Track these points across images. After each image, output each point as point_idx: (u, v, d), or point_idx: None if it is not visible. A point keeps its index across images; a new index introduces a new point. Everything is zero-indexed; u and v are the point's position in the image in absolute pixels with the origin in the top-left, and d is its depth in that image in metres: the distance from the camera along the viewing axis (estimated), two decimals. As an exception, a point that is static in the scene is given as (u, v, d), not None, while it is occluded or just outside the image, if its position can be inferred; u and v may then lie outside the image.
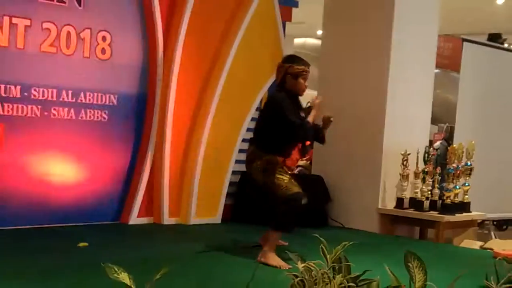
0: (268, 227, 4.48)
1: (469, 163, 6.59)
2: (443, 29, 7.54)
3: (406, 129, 6.67)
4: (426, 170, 6.43)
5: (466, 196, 6.58)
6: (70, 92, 5.51)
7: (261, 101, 6.50)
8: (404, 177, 6.44)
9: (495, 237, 7.58)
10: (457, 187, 6.47)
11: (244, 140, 6.23)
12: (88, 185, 5.68)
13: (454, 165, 6.49)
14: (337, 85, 6.91)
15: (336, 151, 6.78)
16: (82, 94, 5.59)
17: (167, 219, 5.98)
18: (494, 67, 8.03)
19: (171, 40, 5.97)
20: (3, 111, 5.14)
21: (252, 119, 6.30)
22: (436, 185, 6.43)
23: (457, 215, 6.38)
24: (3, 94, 5.13)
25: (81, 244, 4.60)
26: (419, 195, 6.43)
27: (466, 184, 6.57)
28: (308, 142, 7.19)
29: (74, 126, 5.56)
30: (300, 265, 2.73)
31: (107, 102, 5.76)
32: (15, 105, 5.20)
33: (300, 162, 8.17)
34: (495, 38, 10.11)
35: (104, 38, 5.71)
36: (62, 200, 5.50)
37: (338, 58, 6.98)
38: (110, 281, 2.38)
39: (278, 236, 4.44)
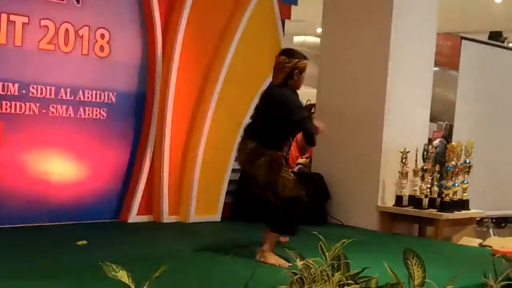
0: (269, 226, 4.44)
1: (467, 161, 6.60)
2: (442, 27, 7.54)
3: (405, 127, 6.67)
4: (425, 168, 6.44)
5: (465, 194, 6.59)
6: (68, 90, 5.50)
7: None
8: (403, 175, 6.44)
9: (494, 235, 7.59)
10: (456, 185, 6.48)
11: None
12: (87, 183, 5.66)
13: (453, 163, 6.50)
14: (337, 83, 6.92)
15: (335, 149, 6.79)
16: (80, 92, 5.58)
17: (167, 217, 5.97)
18: (493, 66, 8.04)
19: (170, 37, 5.95)
20: (0, 109, 5.13)
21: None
22: (435, 183, 6.44)
23: (456, 212, 6.38)
24: (1, 92, 5.12)
25: (80, 243, 4.59)
26: (418, 193, 6.44)
27: (465, 182, 6.58)
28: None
29: (73, 124, 5.54)
30: (299, 263, 2.73)
31: (105, 100, 5.75)
32: (13, 103, 5.19)
33: (300, 160, 8.18)
34: (496, 37, 10.12)
35: (102, 36, 5.69)
36: (60, 198, 5.49)
37: (338, 56, 6.97)
38: (108, 279, 2.37)
39: (278, 237, 4.42)
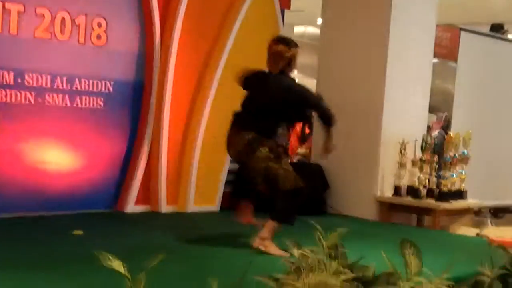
0: (269, 216, 4.41)
1: (465, 152, 6.61)
2: (442, 19, 7.52)
3: (404, 118, 6.67)
4: (423, 158, 6.44)
5: (463, 185, 6.61)
6: (65, 78, 5.46)
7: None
8: (402, 165, 6.45)
9: (491, 225, 7.61)
10: (454, 175, 6.49)
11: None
12: (83, 173, 5.64)
13: (451, 153, 6.51)
14: (336, 73, 6.91)
15: (335, 140, 6.71)
16: (77, 81, 5.54)
17: (165, 207, 5.95)
18: (492, 57, 8.04)
19: (168, 25, 5.91)
20: (-4, 97, 5.11)
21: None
22: (433, 174, 6.44)
23: (453, 202, 6.42)
24: (-4, 81, 5.10)
25: (76, 232, 4.58)
26: (416, 183, 6.44)
27: (463, 173, 6.59)
28: (307, 131, 7.20)
29: (69, 114, 5.51)
30: (297, 252, 2.72)
31: (102, 89, 5.71)
32: (8, 92, 5.15)
33: (300, 151, 8.17)
34: (497, 29, 10.07)
35: (99, 24, 5.65)
36: (57, 188, 5.46)
37: (337, 47, 6.96)
38: (104, 269, 2.36)
39: (278, 226, 4.40)
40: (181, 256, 4.03)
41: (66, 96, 5.48)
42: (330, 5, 7.08)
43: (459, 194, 6.53)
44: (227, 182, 6.37)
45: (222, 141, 6.18)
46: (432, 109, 8.10)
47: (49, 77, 5.36)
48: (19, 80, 5.20)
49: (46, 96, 5.36)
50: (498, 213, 8.93)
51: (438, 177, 6.49)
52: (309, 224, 3.00)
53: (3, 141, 5.16)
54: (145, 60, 5.93)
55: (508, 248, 3.95)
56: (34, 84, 5.29)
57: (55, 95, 5.41)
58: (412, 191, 6.41)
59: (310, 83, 8.25)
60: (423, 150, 6.46)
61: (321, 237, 2.71)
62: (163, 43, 5.90)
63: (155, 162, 5.91)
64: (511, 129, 8.33)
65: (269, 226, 4.36)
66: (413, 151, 6.45)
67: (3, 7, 5.07)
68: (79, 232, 4.59)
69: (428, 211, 6.32)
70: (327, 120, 4.55)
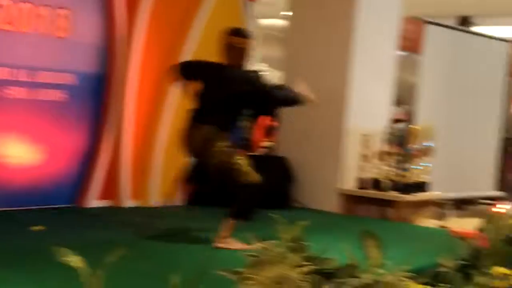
0: (229, 213, 4.41)
1: (428, 144, 6.67)
2: (409, 11, 7.58)
3: (369, 110, 6.71)
4: (387, 151, 6.49)
5: (426, 176, 6.67)
6: (26, 71, 5.36)
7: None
8: (366, 158, 6.49)
9: (453, 217, 7.71)
10: (417, 167, 6.54)
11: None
12: (45, 167, 5.56)
13: (414, 146, 6.56)
14: (301, 65, 6.91)
15: (300, 132, 6.82)
16: (39, 73, 5.45)
17: (128, 202, 5.91)
18: (457, 50, 8.13)
19: (132, 17, 5.85)
20: (-45, 90, 5.00)
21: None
22: (397, 166, 6.49)
23: (416, 194, 6.47)
24: (-45, 73, 4.99)
25: (36, 228, 4.51)
26: (379, 175, 6.49)
27: (426, 164, 6.65)
28: (273, 124, 7.19)
29: (31, 106, 5.42)
30: (257, 245, 2.72)
31: (65, 82, 5.63)
32: (-33, 85, 5.06)
33: (265, 143, 8.17)
34: (464, 22, 10.20)
35: (63, 16, 5.55)
36: (17, 182, 5.36)
37: (303, 39, 6.98)
38: (63, 265, 2.33)
39: (236, 222, 4.39)
40: (142, 251, 4.01)
41: (28, 89, 5.38)
42: (296, -1, 7.10)
43: (422, 186, 6.60)
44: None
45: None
46: (397, 102, 8.17)
47: (10, 69, 5.26)
48: (-22, 73, 5.11)
49: (7, 89, 5.25)
50: (461, 205, 9.06)
51: (402, 169, 6.55)
52: (271, 217, 3.01)
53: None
54: (108, 53, 5.86)
55: (469, 240, 4.01)
56: (-5, 77, 5.19)
57: (16, 88, 5.31)
58: (376, 183, 6.46)
59: (278, 76, 8.28)
60: (386, 142, 6.51)
61: (282, 230, 2.71)
62: (127, 35, 5.84)
63: (118, 156, 5.86)
64: (476, 122, 8.45)
65: (228, 224, 4.36)
66: (377, 144, 6.49)
67: (-39, -3, 4.98)
68: (40, 227, 4.52)
69: (391, 203, 6.37)
70: (293, 102, 4.57)
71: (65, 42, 5.59)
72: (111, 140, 5.84)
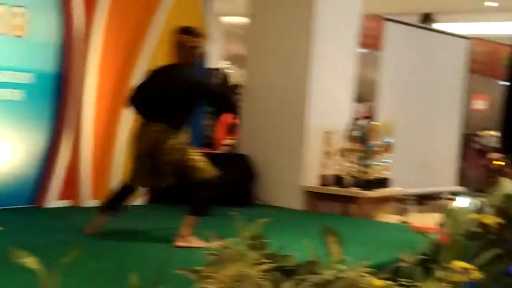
0: (187, 210, 4.39)
1: (389, 140, 6.72)
2: (371, 9, 7.63)
3: (330, 107, 6.74)
4: (348, 147, 6.52)
5: (386, 173, 6.72)
6: (-18, 70, 5.27)
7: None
8: (328, 154, 6.51)
9: (415, 212, 7.79)
10: (378, 163, 6.59)
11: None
12: (3, 168, 5.46)
13: (375, 142, 6.61)
14: (263, 63, 6.92)
15: (261, 130, 6.81)
16: (-5, 73, 5.36)
17: (89, 201, 5.83)
18: (416, 47, 8.20)
19: (90, 15, 5.78)
20: None
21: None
22: (358, 162, 6.53)
23: (377, 190, 6.52)
24: None
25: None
26: (341, 172, 6.52)
27: (387, 161, 6.70)
28: (235, 121, 7.16)
29: (-13, 106, 5.33)
30: (217, 243, 2.69)
31: (23, 81, 5.53)
32: None
33: (227, 141, 8.16)
34: (426, 19, 10.31)
35: (19, 14, 5.45)
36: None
37: (263, 37, 6.98)
38: (19, 266, 2.28)
39: (196, 220, 4.38)
40: (101, 251, 3.96)
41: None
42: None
43: (384, 182, 6.65)
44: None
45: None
46: (359, 99, 8.22)
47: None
48: None
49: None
50: (423, 200, 9.17)
51: (363, 165, 6.59)
52: (232, 215, 2.99)
53: None
54: (66, 51, 5.78)
55: (430, 235, 4.05)
56: None
57: (-30, 87, 5.21)
58: (338, 180, 6.50)
59: (237, 74, 8.28)
60: (348, 139, 6.54)
61: (241, 227, 2.69)
62: (85, 34, 5.76)
63: (78, 156, 5.78)
64: (437, 118, 8.54)
65: (187, 222, 4.35)
66: (339, 141, 6.52)
67: None
68: (-2, 228, 4.44)
69: (353, 199, 6.41)
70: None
71: (22, 41, 5.49)
72: (70, 139, 5.76)
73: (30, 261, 2.28)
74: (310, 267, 2.72)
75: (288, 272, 2.65)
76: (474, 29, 12.91)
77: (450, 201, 7.81)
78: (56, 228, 4.85)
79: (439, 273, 3.06)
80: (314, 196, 6.57)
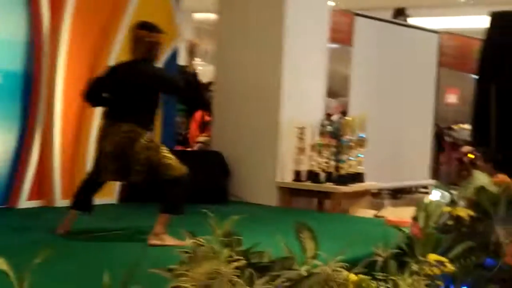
0: (160, 208, 4.36)
1: (362, 135, 6.74)
2: (345, 4, 7.65)
3: (302, 103, 6.74)
4: (322, 143, 6.52)
5: (361, 167, 6.73)
6: None
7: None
8: (301, 150, 6.51)
9: (390, 206, 7.83)
10: (352, 158, 6.60)
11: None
12: (-29, 169, 5.37)
13: (348, 137, 6.62)
14: (234, 59, 6.90)
15: (235, 126, 6.79)
16: (-39, 72, 5.26)
17: (60, 201, 5.75)
18: (387, 42, 8.24)
19: (58, 13, 5.69)
20: None
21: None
22: (332, 157, 6.53)
23: (352, 185, 6.52)
24: None
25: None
26: (315, 167, 6.52)
27: (361, 156, 6.72)
28: (207, 118, 7.11)
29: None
30: (190, 241, 2.66)
31: (-10, 80, 5.45)
32: None
33: (200, 138, 8.13)
34: (399, 14, 10.35)
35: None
36: None
37: (234, 33, 6.95)
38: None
39: (169, 218, 4.34)
40: (72, 251, 3.91)
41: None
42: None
43: (358, 177, 6.65)
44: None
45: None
46: (332, 94, 8.24)
47: None
48: None
49: None
50: (397, 194, 9.23)
51: (337, 161, 6.59)
52: (206, 212, 2.96)
53: None
54: (34, 49, 5.69)
55: (404, 228, 4.05)
56: None
57: None
58: (312, 175, 6.49)
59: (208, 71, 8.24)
60: (321, 134, 6.54)
61: (214, 225, 2.66)
62: (53, 31, 5.67)
63: (48, 155, 5.70)
64: (410, 112, 8.59)
65: (161, 220, 4.31)
66: (312, 136, 6.52)
67: None
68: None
69: (328, 194, 6.41)
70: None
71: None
72: (40, 139, 5.67)
73: (1, 262, 2.24)
74: (284, 263, 2.70)
75: (262, 269, 2.63)
76: (446, 23, 13.03)
77: (424, 195, 7.87)
78: (27, 228, 4.77)
79: (414, 267, 3.06)
80: (288, 192, 6.56)
